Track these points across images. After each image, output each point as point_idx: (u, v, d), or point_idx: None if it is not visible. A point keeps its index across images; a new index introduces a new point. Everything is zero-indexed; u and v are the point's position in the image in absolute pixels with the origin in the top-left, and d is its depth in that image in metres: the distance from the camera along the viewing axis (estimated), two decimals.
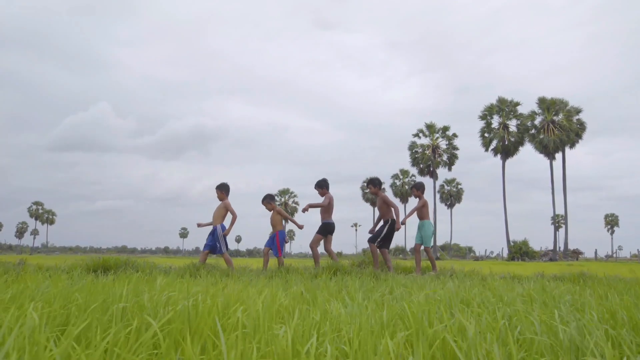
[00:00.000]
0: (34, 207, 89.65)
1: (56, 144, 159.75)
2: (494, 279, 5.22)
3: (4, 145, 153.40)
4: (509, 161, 43.41)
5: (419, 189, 8.24)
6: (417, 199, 8.18)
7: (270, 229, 8.30)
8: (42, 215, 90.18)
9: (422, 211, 8.05)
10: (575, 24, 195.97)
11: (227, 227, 7.98)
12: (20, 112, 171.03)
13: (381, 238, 7.78)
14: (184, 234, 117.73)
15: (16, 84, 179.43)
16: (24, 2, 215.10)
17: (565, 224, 41.02)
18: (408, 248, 61.32)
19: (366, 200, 67.43)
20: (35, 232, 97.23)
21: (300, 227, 8.47)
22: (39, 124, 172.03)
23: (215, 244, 7.81)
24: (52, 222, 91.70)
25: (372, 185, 8.01)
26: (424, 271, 7.75)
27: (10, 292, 2.29)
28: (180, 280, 4.03)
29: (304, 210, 7.94)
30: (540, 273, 6.80)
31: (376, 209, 8.21)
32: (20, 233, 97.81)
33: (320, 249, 8.08)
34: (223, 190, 8.03)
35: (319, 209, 8.03)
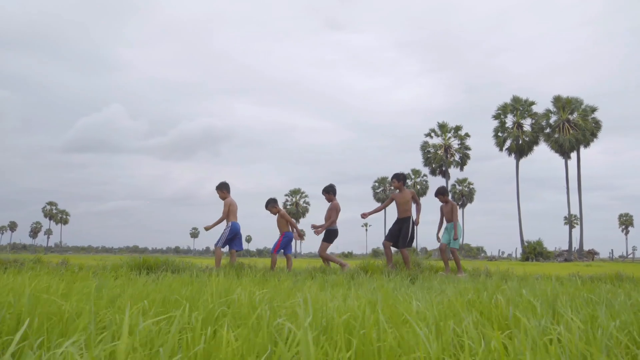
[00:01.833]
0: (48, 207, 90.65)
1: (69, 146, 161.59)
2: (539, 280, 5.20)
3: (18, 147, 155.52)
4: (520, 160, 43.13)
5: (444, 194, 8.31)
6: (445, 203, 8.23)
7: (277, 233, 8.35)
8: (56, 215, 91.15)
9: (453, 214, 8.10)
10: (585, 21, 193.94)
11: (239, 224, 8.06)
12: (34, 114, 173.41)
13: (409, 239, 7.86)
14: (194, 233, 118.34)
15: (30, 87, 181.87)
16: (37, 7, 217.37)
17: (581, 224, 40.69)
18: (419, 248, 61.12)
19: (377, 200, 67.33)
20: (49, 232, 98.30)
21: (301, 237, 8.47)
22: (52, 126, 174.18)
23: (234, 239, 7.87)
24: (65, 222, 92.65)
25: (396, 180, 8.06)
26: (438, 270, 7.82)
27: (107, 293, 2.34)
28: (238, 280, 4.07)
29: (317, 233, 8.08)
30: (575, 274, 6.77)
31: (388, 207, 8.30)
32: (34, 233, 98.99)
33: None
34: (223, 189, 8.04)
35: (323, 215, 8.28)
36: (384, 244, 7.99)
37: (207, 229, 7.91)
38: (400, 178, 8.06)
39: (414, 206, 8.02)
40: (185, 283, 3.28)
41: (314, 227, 8.18)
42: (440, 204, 8.34)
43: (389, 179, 8.50)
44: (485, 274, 6.44)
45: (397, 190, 8.06)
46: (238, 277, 4.76)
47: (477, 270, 6.98)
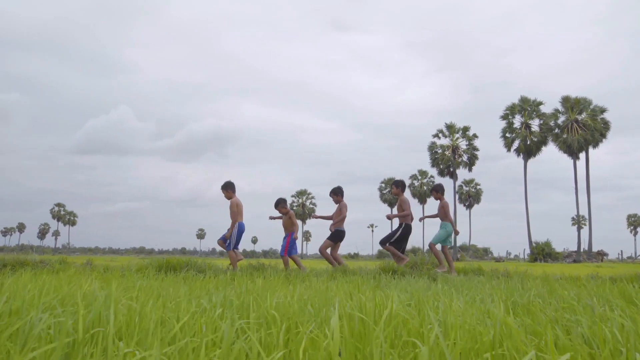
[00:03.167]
0: (56, 208, 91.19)
1: (77, 147, 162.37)
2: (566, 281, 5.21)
3: (27, 149, 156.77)
4: (528, 161, 42.93)
5: (438, 191, 8.29)
6: (438, 200, 8.24)
7: (282, 233, 8.36)
8: (64, 216, 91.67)
9: (442, 212, 8.12)
10: (592, 20, 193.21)
11: (244, 223, 8.08)
12: (43, 116, 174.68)
13: (395, 239, 7.98)
14: (201, 234, 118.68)
15: (38, 89, 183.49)
16: (44, 10, 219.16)
17: (589, 224, 40.43)
18: (425, 249, 60.97)
19: (384, 201, 67.26)
20: (56, 233, 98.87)
21: (295, 237, 8.47)
22: (60, 128, 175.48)
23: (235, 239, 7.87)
24: (73, 223, 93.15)
25: (395, 187, 8.28)
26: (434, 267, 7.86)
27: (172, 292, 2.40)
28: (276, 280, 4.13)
29: (335, 226, 8.15)
30: (593, 274, 6.77)
31: (394, 210, 8.45)
32: (42, 234, 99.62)
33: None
34: (228, 189, 8.04)
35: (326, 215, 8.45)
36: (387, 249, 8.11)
37: (227, 237, 7.91)
38: (398, 185, 8.29)
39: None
40: (223, 284, 3.34)
41: (314, 216, 8.34)
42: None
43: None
44: (504, 275, 6.46)
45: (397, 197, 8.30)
46: (263, 278, 4.82)
47: (496, 272, 6.99)
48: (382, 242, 8.06)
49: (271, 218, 8.39)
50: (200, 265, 6.11)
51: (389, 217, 8.22)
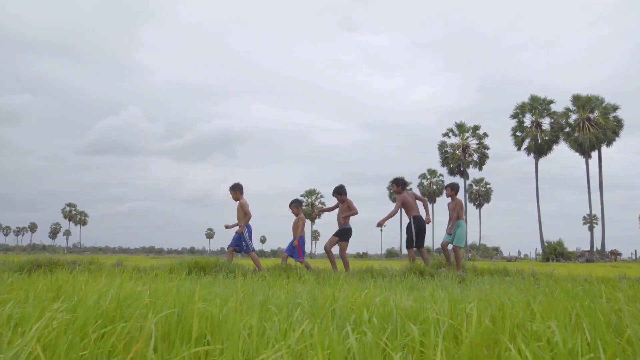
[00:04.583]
0: (68, 208, 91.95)
1: (88, 148, 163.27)
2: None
3: (39, 150, 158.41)
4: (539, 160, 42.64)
5: (453, 189, 8.26)
6: (449, 199, 8.23)
7: (290, 234, 8.28)
8: (75, 216, 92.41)
9: (460, 212, 8.08)
10: (602, 18, 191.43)
11: (252, 226, 8.06)
12: (54, 118, 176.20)
13: (416, 239, 8.02)
14: (210, 234, 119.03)
15: (50, 90, 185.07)
16: (55, 12, 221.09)
17: (602, 224, 40.09)
18: (435, 248, 60.83)
19: (393, 200, 67.13)
20: (67, 233, 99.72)
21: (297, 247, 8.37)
22: (72, 129, 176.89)
23: (240, 242, 7.84)
24: (84, 223, 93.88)
25: (395, 185, 8.33)
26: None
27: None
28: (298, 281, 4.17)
29: (342, 223, 8.11)
30: (622, 275, 6.75)
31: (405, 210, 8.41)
32: (53, 234, 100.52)
33: (334, 250, 8.26)
34: (237, 190, 8.00)
35: (330, 213, 8.45)
36: (420, 253, 8.13)
37: (238, 232, 7.89)
38: (399, 183, 8.32)
39: (421, 207, 8.24)
40: (270, 286, 3.38)
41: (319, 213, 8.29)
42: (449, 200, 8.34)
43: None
44: (532, 275, 6.45)
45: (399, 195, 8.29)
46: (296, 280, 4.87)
47: (522, 272, 6.99)
48: (408, 247, 8.06)
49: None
50: (228, 266, 6.16)
51: (379, 224, 8.11)
